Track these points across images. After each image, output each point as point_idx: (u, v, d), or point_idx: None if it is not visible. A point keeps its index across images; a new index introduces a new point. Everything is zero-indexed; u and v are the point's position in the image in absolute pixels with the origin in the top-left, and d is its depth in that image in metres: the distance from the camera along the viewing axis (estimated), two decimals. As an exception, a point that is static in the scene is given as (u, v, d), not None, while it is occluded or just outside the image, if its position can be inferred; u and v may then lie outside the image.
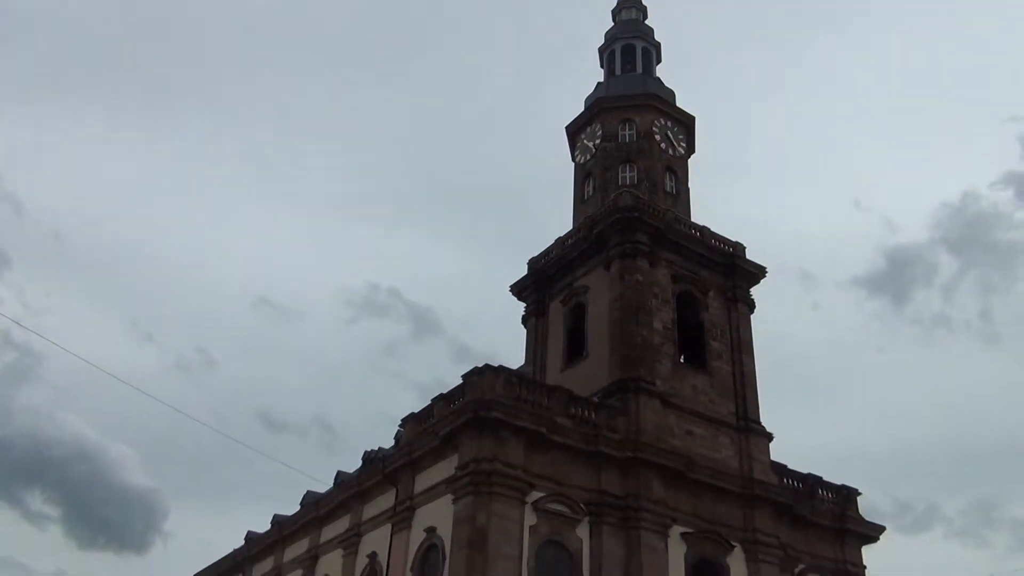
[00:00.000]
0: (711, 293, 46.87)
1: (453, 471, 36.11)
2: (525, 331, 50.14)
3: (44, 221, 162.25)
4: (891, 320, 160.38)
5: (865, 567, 45.50)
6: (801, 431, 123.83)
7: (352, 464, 52.06)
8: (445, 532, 35.43)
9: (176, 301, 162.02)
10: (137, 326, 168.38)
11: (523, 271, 50.52)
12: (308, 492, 53.31)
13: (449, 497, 35.79)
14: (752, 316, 47.93)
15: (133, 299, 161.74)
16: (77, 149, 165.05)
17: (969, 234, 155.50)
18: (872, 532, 46.28)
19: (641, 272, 43.88)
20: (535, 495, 35.54)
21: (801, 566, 42.71)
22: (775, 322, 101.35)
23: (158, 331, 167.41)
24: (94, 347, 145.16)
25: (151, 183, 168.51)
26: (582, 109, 55.12)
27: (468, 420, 35.62)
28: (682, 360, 44.49)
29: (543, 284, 49.17)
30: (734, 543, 40.12)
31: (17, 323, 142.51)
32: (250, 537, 56.61)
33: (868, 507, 46.87)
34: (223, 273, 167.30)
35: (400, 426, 44.41)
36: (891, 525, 47.19)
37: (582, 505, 36.66)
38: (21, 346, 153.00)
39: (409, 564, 36.87)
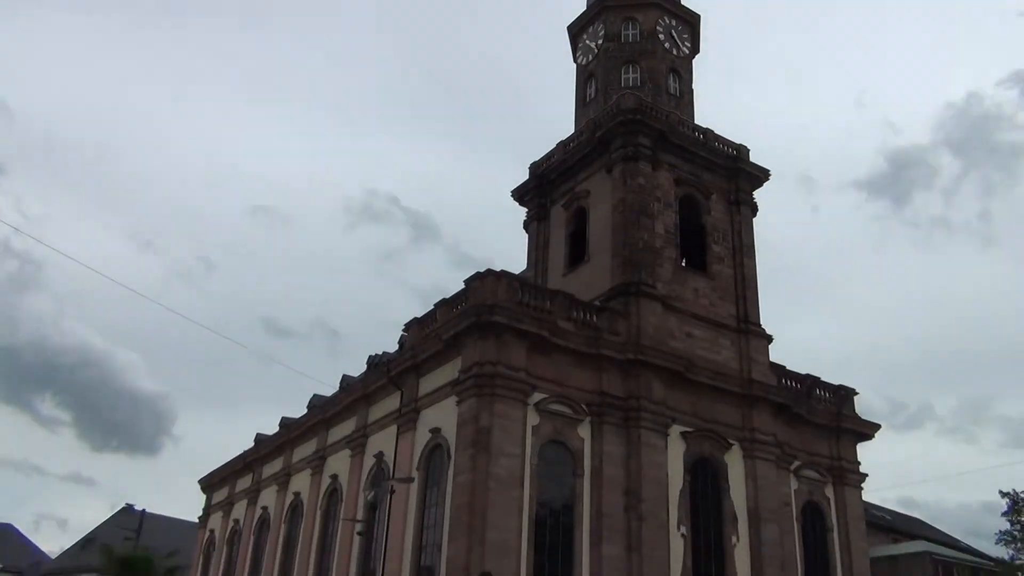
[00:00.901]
0: (713, 196, 46.69)
1: (456, 374, 36.73)
2: (526, 236, 50.24)
3: (36, 128, 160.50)
4: (891, 222, 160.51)
5: (859, 463, 46.80)
6: (800, 333, 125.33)
7: (357, 368, 52.99)
8: (450, 433, 36.30)
9: (174, 208, 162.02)
10: (136, 234, 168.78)
11: (524, 176, 50.21)
12: (315, 395, 54.41)
13: (453, 399, 36.52)
14: (754, 220, 47.91)
15: (131, 207, 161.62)
16: (66, 55, 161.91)
17: (972, 135, 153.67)
18: (867, 430, 47.39)
19: (643, 175, 43.61)
20: (537, 396, 36.26)
21: (797, 463, 43.91)
22: (776, 225, 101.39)
23: (157, 238, 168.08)
24: (94, 255, 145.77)
25: (144, 89, 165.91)
26: (584, 7, 53.77)
27: (471, 324, 36.02)
28: (683, 264, 44.66)
29: (545, 188, 48.94)
30: (732, 441, 41.14)
31: (16, 230, 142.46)
32: (259, 439, 58.06)
33: (863, 406, 47.93)
34: (219, 180, 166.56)
35: (404, 331, 44.94)
36: (885, 424, 48.20)
37: (583, 406, 37.44)
38: (22, 255, 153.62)
39: (415, 463, 37.90)
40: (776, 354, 44.98)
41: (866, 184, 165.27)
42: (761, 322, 45.03)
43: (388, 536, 37.78)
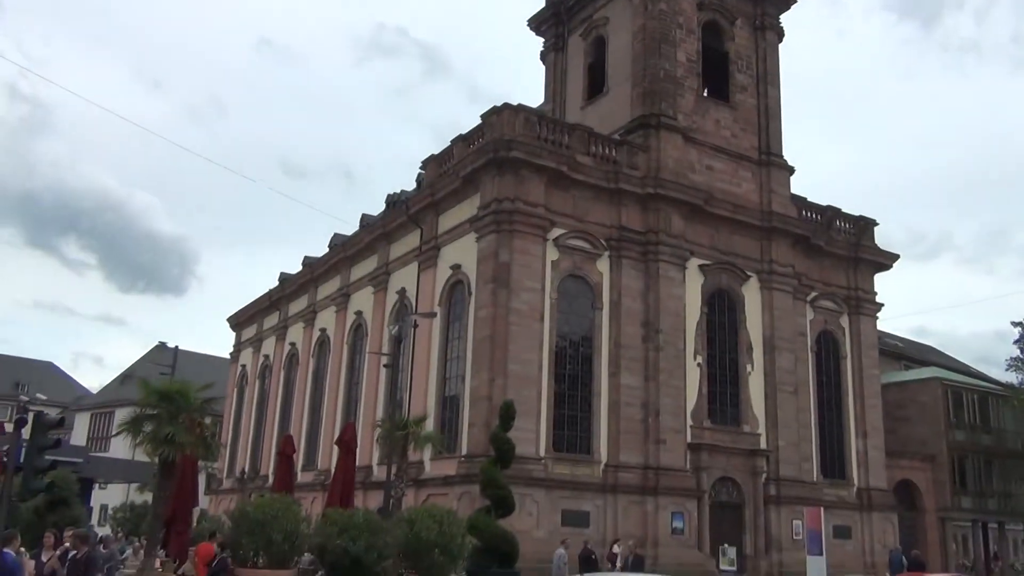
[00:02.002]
0: (738, 21, 44.79)
1: (475, 211, 36.77)
2: (543, 68, 48.84)
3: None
4: (920, 46, 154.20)
5: (875, 293, 47.26)
6: (823, 164, 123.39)
7: (376, 207, 53.15)
8: (470, 269, 36.76)
9: (178, 45, 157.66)
10: (142, 73, 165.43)
11: (540, 3, 48.12)
12: (335, 235, 54.88)
13: (472, 236, 36.73)
14: (779, 46, 46.13)
15: (135, 45, 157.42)
16: None
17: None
18: (885, 260, 47.51)
19: (665, 0, 41.72)
20: (556, 232, 36.38)
21: (814, 294, 44.38)
22: (801, 52, 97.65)
23: (164, 78, 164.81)
24: (102, 96, 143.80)
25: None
26: None
27: (488, 160, 35.68)
28: (705, 94, 43.46)
29: (562, 17, 47.08)
30: (750, 273, 41.47)
31: (25, 70, 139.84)
32: (283, 278, 59.18)
33: (883, 237, 48.00)
34: (222, 13, 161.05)
35: (421, 168, 44.67)
36: (903, 253, 48.34)
37: (602, 241, 37.60)
38: (30, 99, 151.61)
39: (437, 299, 38.63)
40: (798, 186, 44.63)
41: (896, 5, 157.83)
42: (783, 153, 44.33)
43: (413, 368, 39.11)
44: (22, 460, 14.33)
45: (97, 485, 40.04)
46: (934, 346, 70.40)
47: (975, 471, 50.59)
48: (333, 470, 28.16)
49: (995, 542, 52.44)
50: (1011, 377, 51.52)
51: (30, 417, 14.66)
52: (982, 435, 51.35)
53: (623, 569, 20.06)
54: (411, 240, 42.19)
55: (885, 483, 44.54)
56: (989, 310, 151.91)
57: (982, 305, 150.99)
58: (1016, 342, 49.41)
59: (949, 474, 48.82)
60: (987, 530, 52.21)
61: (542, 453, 33.68)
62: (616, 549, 30.29)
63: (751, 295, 41.46)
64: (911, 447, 49.16)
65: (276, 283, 59.72)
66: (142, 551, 20.51)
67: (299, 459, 44.38)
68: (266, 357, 60.33)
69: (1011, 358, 51.65)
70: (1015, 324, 49.87)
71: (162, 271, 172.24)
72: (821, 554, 19.39)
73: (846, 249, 45.87)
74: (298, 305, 55.94)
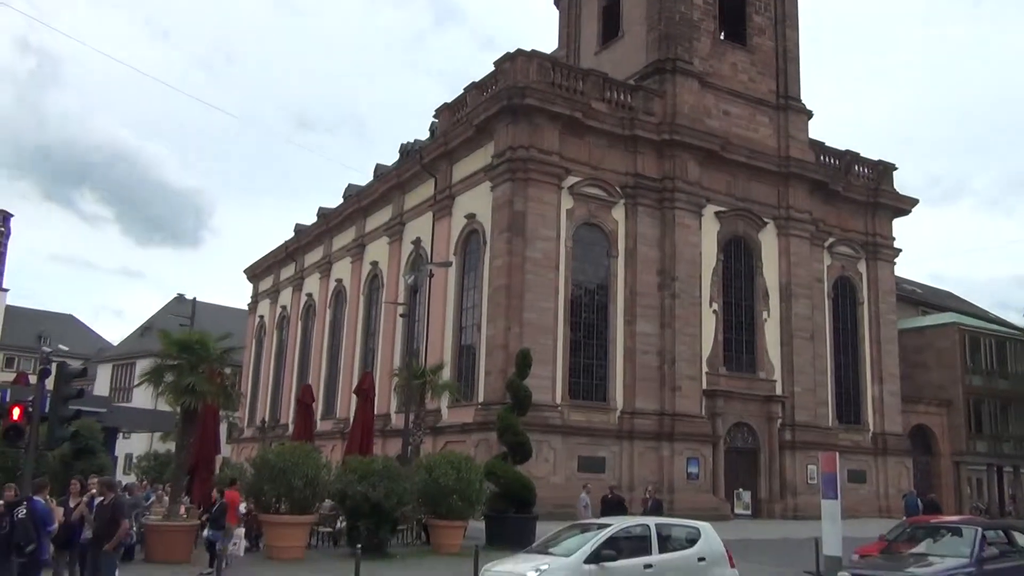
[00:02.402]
0: (756, -39, 43.76)
1: (489, 159, 36.54)
2: (557, 14, 48.04)
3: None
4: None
5: (894, 239, 46.85)
6: (841, 106, 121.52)
7: (390, 157, 52.84)
8: (485, 218, 36.67)
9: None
10: (151, 22, 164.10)
11: (554, -54, 47.13)
12: (350, 185, 54.80)
13: (487, 185, 36.56)
14: (799, -14, 45.14)
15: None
16: None
17: None
18: (904, 205, 47.01)
19: (681, -59, 40.75)
20: (571, 180, 36.13)
21: (831, 239, 44.05)
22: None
23: (173, 28, 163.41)
24: (110, 46, 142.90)
25: None
26: None
27: (502, 108, 35.34)
28: (722, 37, 42.69)
29: (575, -41, 46.17)
30: (767, 220, 41.16)
31: (37, 20, 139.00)
32: (299, 229, 59.30)
33: (901, 182, 47.40)
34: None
35: (434, 117, 44.33)
36: (922, 199, 47.70)
37: (617, 188, 37.34)
38: (39, 51, 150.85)
39: (452, 248, 38.63)
40: (816, 130, 44.01)
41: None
42: (801, 97, 43.65)
43: (429, 318, 39.31)
44: (47, 410, 14.61)
45: (121, 434, 40.79)
46: (952, 291, 69.89)
47: (991, 415, 50.62)
48: (352, 419, 28.53)
49: (1010, 485, 52.69)
50: (1030, 322, 51.26)
51: (53, 368, 14.87)
52: (999, 380, 51.26)
53: (644, 513, 20.36)
54: (425, 190, 42.07)
55: (900, 428, 44.70)
56: (1008, 255, 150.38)
57: (1001, 250, 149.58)
58: (1036, 286, 49.03)
59: (965, 419, 48.87)
60: (1002, 474, 52.43)
61: (558, 400, 33.95)
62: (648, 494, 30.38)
63: (768, 242, 41.22)
64: (927, 392, 49.18)
65: (292, 234, 59.86)
66: (166, 498, 20.92)
67: (318, 408, 44.92)
68: (283, 308, 60.77)
69: (1030, 302, 51.26)
70: (1035, 268, 49.40)
71: (178, 224, 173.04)
72: (836, 498, 19.50)
73: (864, 194, 45.39)
74: (314, 256, 56.13)
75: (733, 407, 38.31)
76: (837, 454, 21.23)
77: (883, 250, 45.94)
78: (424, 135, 47.94)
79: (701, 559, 11.85)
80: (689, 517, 31.83)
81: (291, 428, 40.90)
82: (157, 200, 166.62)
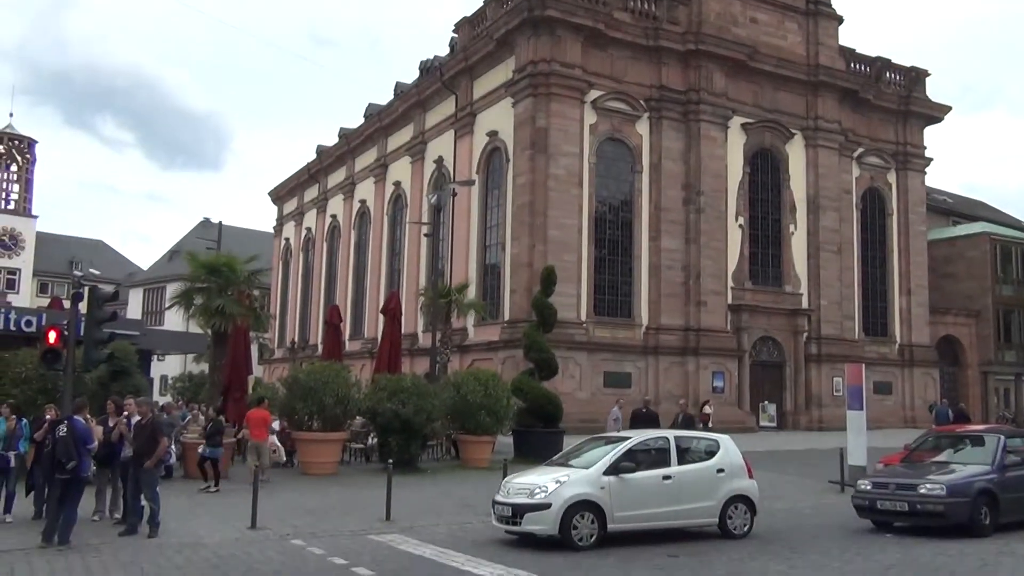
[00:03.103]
0: None
1: (511, 75, 35.90)
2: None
3: None
4: None
5: (925, 148, 45.82)
6: (873, 9, 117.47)
7: (410, 75, 52.03)
8: (507, 135, 36.24)
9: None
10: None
11: None
12: (370, 104, 54.20)
13: (509, 101, 36.01)
14: None
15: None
16: None
17: None
18: (937, 113, 45.80)
19: None
20: (594, 94, 35.49)
21: (860, 150, 43.16)
22: None
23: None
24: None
25: None
26: None
27: (523, 20, 34.53)
28: (750, -60, 41.09)
29: None
30: (794, 131, 40.34)
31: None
32: (320, 150, 59.03)
33: (933, 89, 45.99)
34: None
35: (453, 32, 43.46)
36: (955, 106, 46.35)
37: (641, 102, 36.63)
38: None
39: (475, 167, 38.34)
40: (846, 36, 42.64)
41: None
42: (832, 1, 42.18)
43: (453, 237, 39.32)
44: (82, 333, 14.90)
45: (156, 357, 41.66)
46: (984, 201, 68.53)
47: (1020, 325, 50.21)
48: (380, 338, 28.83)
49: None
50: (1063, 230, 50.29)
51: (85, 292, 15.09)
52: (1030, 289, 50.61)
53: (674, 427, 20.59)
54: (446, 107, 41.54)
55: (928, 339, 44.55)
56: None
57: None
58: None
59: (994, 329, 48.52)
60: (1030, 383, 52.29)
61: (583, 317, 34.09)
62: (708, 409, 30.85)
63: (795, 153, 40.48)
64: (957, 303, 48.77)
65: (314, 156, 59.64)
66: (202, 417, 21.46)
67: (346, 328, 45.46)
68: (308, 230, 61.02)
69: (1065, 211, 50.10)
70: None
71: (199, 147, 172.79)
72: (861, 409, 19.63)
73: (895, 103, 44.23)
74: (336, 177, 56.02)
75: (758, 321, 38.29)
76: (863, 366, 21.24)
77: (914, 160, 44.99)
78: (444, 51, 47.09)
79: (720, 470, 12.00)
80: (715, 430, 32.31)
81: (320, 348, 41.53)
82: (178, 124, 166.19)
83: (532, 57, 34.52)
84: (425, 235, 37.21)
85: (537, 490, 10.94)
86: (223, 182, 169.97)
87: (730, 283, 37.62)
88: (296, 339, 58.81)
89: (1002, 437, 13.19)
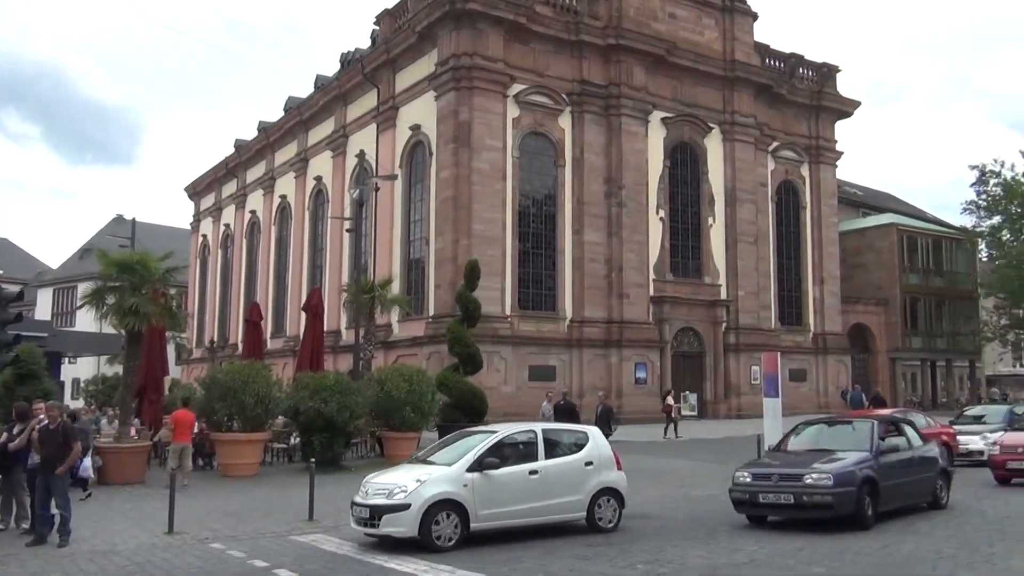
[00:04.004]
0: None
1: (433, 68, 35.73)
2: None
3: None
4: None
5: (836, 142, 47.36)
6: (787, 7, 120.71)
7: (331, 68, 51.29)
8: (430, 129, 36.06)
9: None
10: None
11: None
12: (290, 97, 53.25)
13: (431, 94, 35.83)
14: None
15: None
16: None
17: None
18: (847, 108, 47.39)
19: None
20: (517, 88, 35.58)
21: (775, 144, 44.36)
22: None
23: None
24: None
25: None
26: None
27: (444, 13, 34.39)
28: (667, -63, 41.75)
29: None
30: (712, 125, 41.20)
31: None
32: (239, 144, 57.73)
33: (844, 85, 47.53)
34: None
35: (375, 24, 42.96)
36: (864, 102, 48.06)
37: (563, 96, 36.90)
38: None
39: (397, 161, 38.03)
40: (761, 32, 43.69)
41: None
42: (747, -1, 43.22)
43: (376, 232, 38.94)
44: (-16, 336, 14.22)
45: (67, 359, 40.18)
46: (892, 193, 71.21)
47: (926, 313, 52.40)
48: (302, 335, 28.39)
49: (942, 378, 55.00)
50: (966, 220, 52.65)
51: (-12, 293, 14.39)
52: (934, 278, 52.89)
53: (596, 419, 20.79)
54: (368, 101, 41.10)
55: (840, 327, 46.12)
56: (948, 155, 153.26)
57: (941, 150, 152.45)
58: (972, 185, 50.10)
59: (901, 316, 50.54)
60: (935, 368, 54.66)
61: (508, 311, 34.21)
62: (670, 400, 31.05)
63: (713, 147, 41.36)
64: (867, 292, 50.61)
65: (232, 150, 58.29)
66: (116, 421, 20.77)
67: (267, 326, 44.65)
68: (227, 226, 59.64)
69: (967, 202, 52.52)
70: (972, 167, 50.38)
71: (110, 141, 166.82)
72: (777, 396, 20.23)
73: (808, 97, 45.59)
74: (256, 172, 54.88)
75: (679, 312, 39.04)
76: (779, 354, 21.87)
77: (826, 153, 46.47)
78: (366, 43, 46.53)
79: (588, 463, 11.68)
80: (638, 421, 32.89)
81: (241, 347, 40.66)
82: (86, 117, 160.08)
83: (454, 50, 34.41)
84: (347, 230, 36.77)
85: (396, 490, 10.44)
86: (136, 177, 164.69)
87: (652, 275, 38.25)
88: (215, 338, 57.44)
89: (875, 422, 12.80)
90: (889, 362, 50.68)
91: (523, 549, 10.52)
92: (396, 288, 35.06)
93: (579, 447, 11.98)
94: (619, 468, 12.21)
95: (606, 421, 20.72)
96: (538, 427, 12.26)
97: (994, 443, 17.14)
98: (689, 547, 10.50)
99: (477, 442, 11.33)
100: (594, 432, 12.52)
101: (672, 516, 13.15)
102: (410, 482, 10.56)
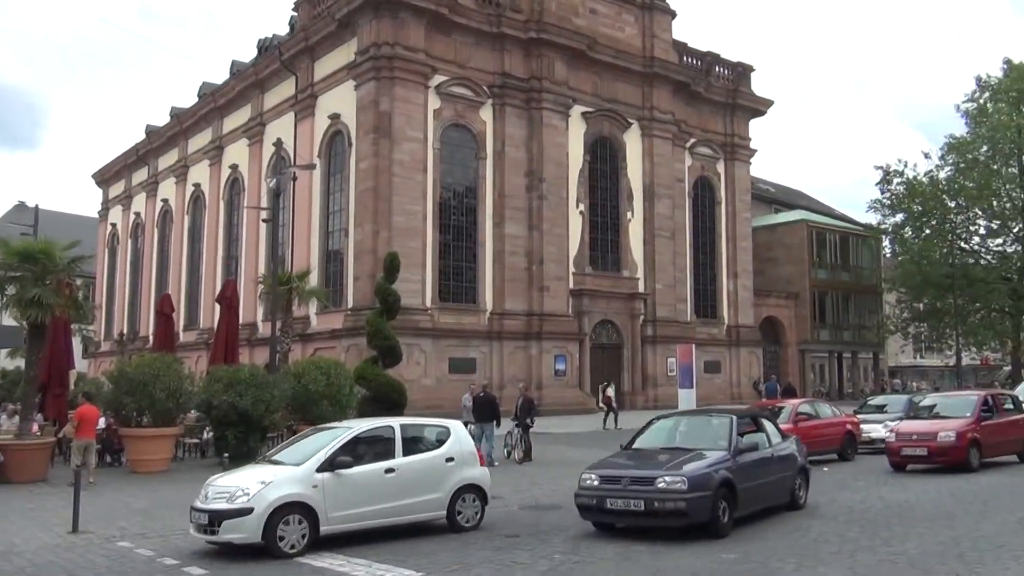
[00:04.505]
0: None
1: (353, 57, 35.26)
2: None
3: None
4: None
5: (750, 139, 48.62)
6: (703, 6, 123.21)
7: (247, 54, 50.09)
8: (349, 118, 35.60)
9: None
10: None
11: None
12: (204, 83, 51.84)
13: (351, 83, 35.37)
14: None
15: None
16: None
17: None
18: (761, 107, 48.68)
19: None
20: (438, 79, 35.42)
21: (692, 140, 45.29)
22: None
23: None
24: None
25: None
26: None
27: (365, 1, 33.95)
28: (588, -67, 42.10)
29: None
30: (631, 120, 41.80)
31: None
32: (150, 130, 55.88)
33: (759, 84, 48.82)
34: None
35: (293, 10, 42.12)
36: (778, 100, 49.44)
37: (485, 88, 36.89)
38: None
39: (316, 150, 37.43)
40: (679, 31, 44.50)
41: None
42: (666, -3, 43.95)
43: (294, 223, 38.25)
44: None
45: (-37, 352, 38.35)
46: (803, 191, 73.52)
47: (833, 306, 54.36)
48: (216, 328, 27.71)
49: (848, 369, 57.19)
50: (871, 218, 54.69)
51: None
52: (841, 273, 54.91)
53: (516, 411, 20.85)
54: (286, 88, 40.31)
55: (752, 320, 47.46)
56: (856, 155, 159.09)
57: (850, 150, 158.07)
58: (878, 184, 52.06)
59: (810, 310, 52.30)
60: (841, 360, 56.77)
61: (428, 303, 34.09)
62: (610, 392, 31.50)
63: (632, 142, 41.97)
64: (778, 286, 52.19)
65: (143, 136, 56.36)
66: (17, 416, 19.91)
67: (180, 319, 43.49)
68: (137, 215, 57.71)
69: (872, 200, 54.48)
70: (877, 167, 52.30)
71: (11, 123, 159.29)
72: (692, 387, 20.73)
73: (724, 96, 46.66)
74: (168, 159, 53.23)
75: (598, 305, 39.55)
76: (693, 346, 22.40)
77: (740, 150, 47.67)
78: (284, 30, 45.61)
79: (449, 459, 11.15)
80: (557, 412, 33.20)
81: (151, 340, 39.44)
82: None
83: (375, 39, 34.03)
84: (264, 220, 35.89)
85: (238, 493, 9.69)
86: (39, 162, 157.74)
87: (571, 268, 38.63)
88: (125, 331, 55.61)
89: (734, 417, 11.77)
90: (799, 354, 52.39)
91: (438, 543, 10.50)
92: (314, 280, 34.54)
93: (440, 443, 11.45)
94: (482, 464, 11.75)
95: (527, 413, 20.82)
96: (396, 423, 11.58)
97: (890, 431, 17.86)
98: (606, 537, 10.65)
99: (329, 440, 10.62)
100: (456, 427, 11.92)
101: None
102: (253, 484, 9.82)
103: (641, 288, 41.33)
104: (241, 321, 30.92)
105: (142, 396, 18.57)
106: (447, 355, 34.21)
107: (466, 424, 20.84)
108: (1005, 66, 48.90)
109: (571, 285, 38.42)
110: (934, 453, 16.54)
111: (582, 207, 39.57)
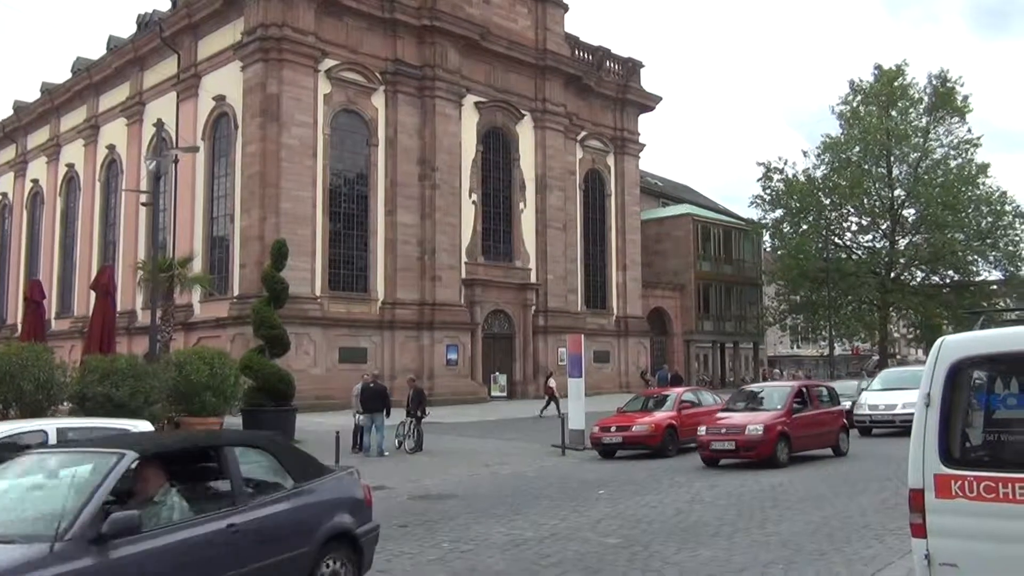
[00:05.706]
0: None
1: (239, 37, 34.14)
2: None
3: None
4: None
5: (639, 134, 49.72)
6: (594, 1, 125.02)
7: (126, 29, 47.82)
8: (235, 100, 34.49)
9: None
10: None
11: None
12: (79, 59, 49.14)
13: (237, 64, 34.25)
14: None
15: None
16: None
17: None
18: (650, 102, 49.81)
19: None
20: (328, 63, 34.70)
21: (583, 133, 45.96)
22: None
23: None
24: None
25: None
26: None
27: (252, -20, 32.91)
28: (483, -78, 42.04)
29: None
30: (524, 112, 42.05)
31: None
32: (18, 106, 52.65)
33: (648, 79, 49.94)
34: None
35: (176, -14, 40.43)
36: (666, 95, 50.69)
37: (377, 74, 36.38)
38: None
39: (199, 132, 36.09)
40: (571, 24, 44.97)
41: None
42: (559, -10, 44.34)
43: (176, 207, 36.71)
44: None
45: None
46: (690, 185, 75.70)
47: (717, 298, 56.28)
48: (91, 316, 26.40)
49: (730, 359, 59.37)
50: (752, 213, 56.80)
51: None
52: (725, 266, 56.87)
53: (408, 402, 20.66)
54: (167, 67, 38.67)
55: (640, 311, 48.63)
56: (740, 151, 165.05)
57: (734, 147, 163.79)
58: (759, 180, 54.11)
59: (695, 302, 53.98)
60: (724, 349, 58.88)
61: (318, 292, 33.45)
62: (552, 383, 31.36)
63: (525, 134, 42.23)
64: (665, 278, 53.62)
65: (10, 112, 53.05)
66: None
67: (51, 306, 41.25)
68: (4, 195, 54.34)
69: (754, 196, 56.68)
70: (759, 164, 54.43)
71: None
72: (581, 376, 21.05)
73: (614, 90, 47.50)
74: (39, 138, 50.29)
75: (490, 295, 39.70)
76: (582, 336, 22.74)
77: (630, 145, 48.68)
78: (165, 5, 43.72)
79: None
80: (449, 402, 33.14)
81: (20, 328, 37.27)
82: None
83: (262, 20, 33.04)
84: (143, 204, 34.45)
85: None
86: None
87: (464, 258, 38.61)
88: (-10, 318, 52.32)
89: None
90: (684, 344, 54.03)
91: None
92: (198, 266, 33.35)
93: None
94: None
95: (418, 404, 20.70)
96: (52, 425, 9.78)
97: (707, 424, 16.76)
98: (493, 524, 10.72)
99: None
100: (143, 427, 10.50)
101: (478, 494, 13.37)
102: None
103: (533, 279, 41.71)
104: (119, 309, 29.54)
105: (9, 388, 17.49)
106: (337, 344, 33.66)
107: (355, 414, 20.68)
108: (876, 71, 51.68)
109: (463, 275, 38.42)
110: (741, 447, 15.57)
111: (475, 197, 39.59)
